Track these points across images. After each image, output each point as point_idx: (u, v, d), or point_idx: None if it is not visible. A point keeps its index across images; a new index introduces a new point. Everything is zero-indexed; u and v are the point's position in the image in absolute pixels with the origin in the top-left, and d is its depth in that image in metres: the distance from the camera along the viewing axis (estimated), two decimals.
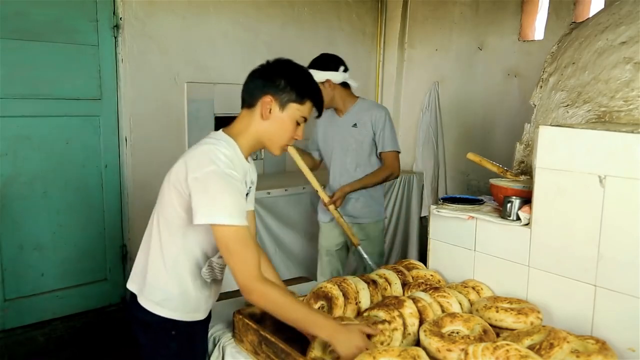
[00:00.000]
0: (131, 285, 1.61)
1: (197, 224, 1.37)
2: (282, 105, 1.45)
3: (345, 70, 2.75)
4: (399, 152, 2.81)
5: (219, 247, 1.39)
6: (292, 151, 2.65)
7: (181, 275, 1.52)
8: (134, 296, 1.58)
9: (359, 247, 2.71)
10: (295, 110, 1.46)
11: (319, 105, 1.51)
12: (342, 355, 1.29)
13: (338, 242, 2.91)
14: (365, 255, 2.69)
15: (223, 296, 2.02)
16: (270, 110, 1.45)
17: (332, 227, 2.88)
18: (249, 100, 1.48)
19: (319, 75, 2.69)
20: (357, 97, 2.84)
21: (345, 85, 2.78)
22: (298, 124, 1.50)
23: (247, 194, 1.55)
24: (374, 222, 2.87)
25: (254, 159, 1.63)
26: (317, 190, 2.73)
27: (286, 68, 1.49)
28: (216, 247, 1.45)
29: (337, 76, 2.73)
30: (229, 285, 2.01)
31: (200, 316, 1.60)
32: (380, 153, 2.79)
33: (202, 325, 1.65)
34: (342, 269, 3.00)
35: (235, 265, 1.36)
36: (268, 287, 1.36)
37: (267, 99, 1.44)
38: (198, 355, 1.64)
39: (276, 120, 1.46)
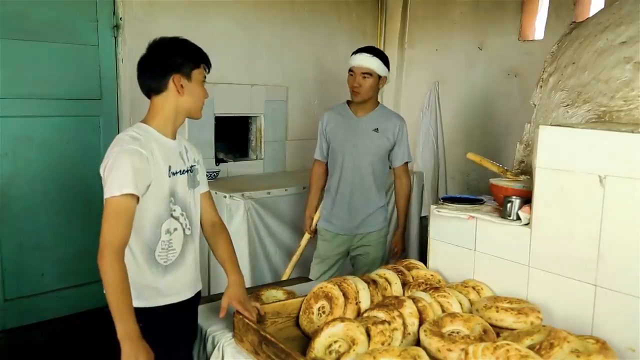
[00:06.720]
0: None
1: (105, 198, 1.48)
2: (188, 77, 1.65)
3: None
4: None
5: (103, 214, 1.49)
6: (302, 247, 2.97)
7: (138, 262, 1.59)
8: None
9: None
10: (198, 74, 1.68)
11: (207, 60, 1.73)
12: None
13: (337, 251, 2.80)
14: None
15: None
16: (182, 85, 1.64)
17: (333, 235, 2.79)
18: (156, 88, 1.65)
19: (382, 69, 2.62)
20: (378, 101, 2.78)
21: None
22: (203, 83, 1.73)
23: (188, 171, 1.71)
24: (376, 231, 2.76)
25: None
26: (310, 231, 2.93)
27: (171, 46, 1.67)
28: (161, 224, 1.59)
29: (388, 76, 2.70)
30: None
31: (173, 299, 1.66)
32: (404, 163, 2.76)
33: (180, 310, 1.69)
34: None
35: (104, 231, 1.47)
36: (117, 264, 1.46)
37: (176, 78, 1.63)
38: (167, 343, 1.65)
39: (190, 90, 1.66)
